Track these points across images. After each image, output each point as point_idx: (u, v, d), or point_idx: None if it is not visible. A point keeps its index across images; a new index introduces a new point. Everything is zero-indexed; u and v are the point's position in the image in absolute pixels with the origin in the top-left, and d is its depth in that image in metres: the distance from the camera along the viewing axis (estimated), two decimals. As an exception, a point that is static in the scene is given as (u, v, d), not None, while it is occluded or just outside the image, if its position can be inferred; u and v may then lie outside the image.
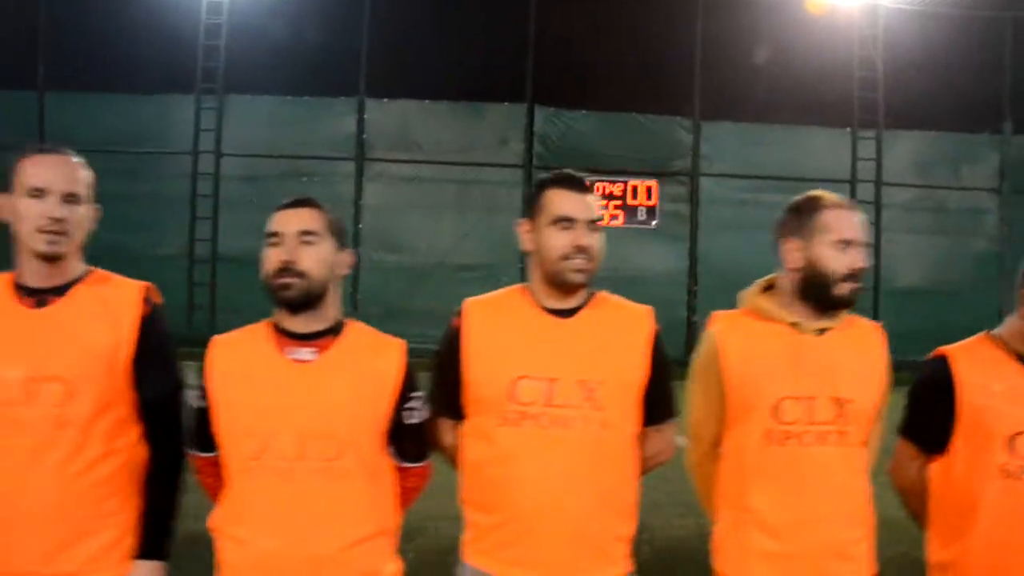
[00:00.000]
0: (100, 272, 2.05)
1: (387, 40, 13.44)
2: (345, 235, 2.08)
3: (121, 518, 1.96)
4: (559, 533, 2.00)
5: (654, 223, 13.96)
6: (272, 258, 1.93)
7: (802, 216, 2.16)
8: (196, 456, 2.08)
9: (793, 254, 2.13)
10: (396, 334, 2.11)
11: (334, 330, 2.02)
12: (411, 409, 2.05)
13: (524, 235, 2.10)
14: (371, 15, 13.53)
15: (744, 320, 2.19)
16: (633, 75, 13.78)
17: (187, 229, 13.58)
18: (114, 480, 1.95)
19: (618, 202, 13.87)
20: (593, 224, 2.10)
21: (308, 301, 1.94)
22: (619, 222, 13.86)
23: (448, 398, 2.14)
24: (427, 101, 13.82)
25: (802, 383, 2.07)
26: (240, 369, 1.98)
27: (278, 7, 13.51)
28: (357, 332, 2.07)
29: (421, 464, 2.14)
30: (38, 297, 1.95)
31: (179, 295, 12.58)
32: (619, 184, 13.87)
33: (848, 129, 14.72)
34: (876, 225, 14.42)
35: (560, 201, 2.08)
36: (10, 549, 1.86)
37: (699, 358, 2.22)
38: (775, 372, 2.08)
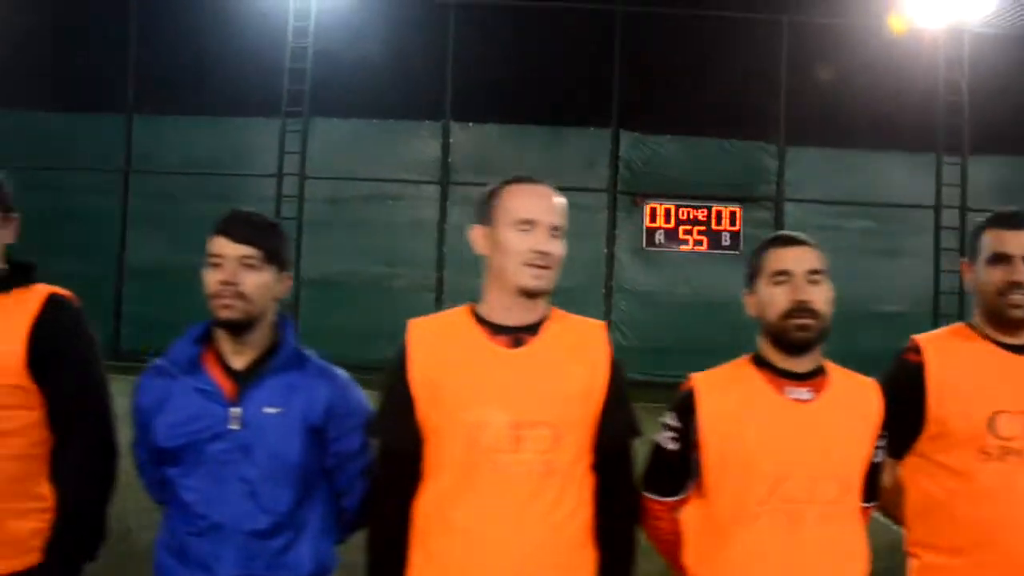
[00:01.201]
0: (556, 310, 2.01)
1: (472, 64, 13.48)
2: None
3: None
4: None
5: (738, 249, 13.88)
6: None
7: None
8: (657, 501, 2.04)
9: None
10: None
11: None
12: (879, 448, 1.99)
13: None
14: (456, 38, 13.61)
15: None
16: (717, 100, 13.74)
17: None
18: (584, 530, 1.89)
19: (702, 227, 13.81)
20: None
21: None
22: (703, 247, 13.81)
23: None
24: (512, 125, 13.84)
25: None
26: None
27: (364, 31, 13.60)
28: (841, 375, 2.01)
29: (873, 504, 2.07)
30: (514, 336, 1.90)
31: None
32: (703, 210, 13.81)
33: (933, 154, 14.59)
34: (961, 251, 14.28)
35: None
36: None
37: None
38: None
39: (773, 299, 1.93)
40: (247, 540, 1.83)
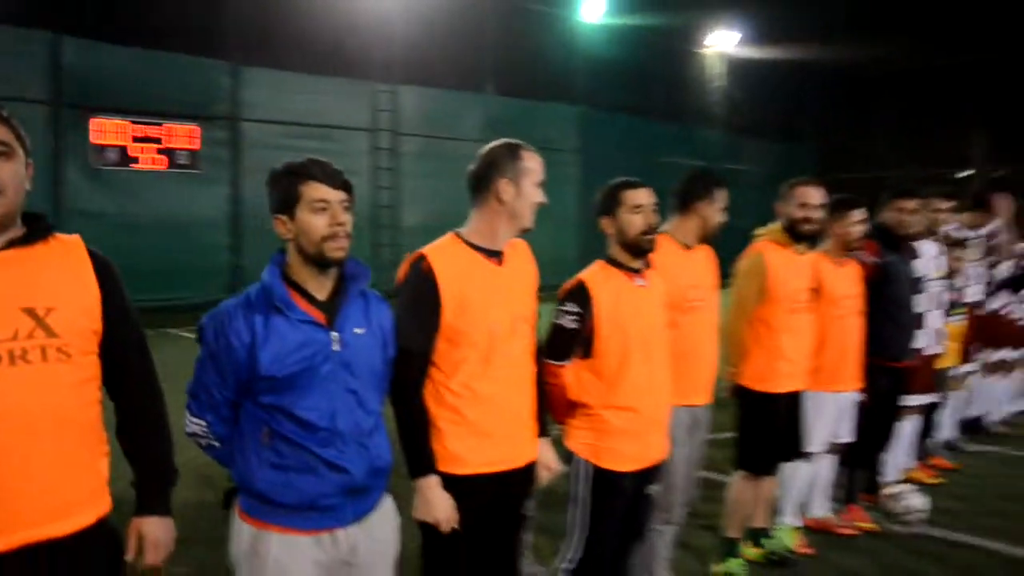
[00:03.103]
0: None
1: None
2: None
3: None
4: None
5: (198, 168, 13.88)
6: None
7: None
8: (556, 366, 2.91)
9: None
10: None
11: None
12: None
13: None
14: None
15: (772, 246, 3.94)
16: (173, 13, 13.26)
17: None
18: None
19: (158, 145, 13.43)
20: None
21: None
22: (161, 166, 13.48)
23: None
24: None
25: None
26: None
27: None
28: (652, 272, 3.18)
29: None
30: (498, 257, 2.59)
31: None
32: (158, 127, 13.40)
33: (370, 82, 16.24)
34: (395, 170, 16.43)
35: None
36: (521, 444, 2.61)
37: (749, 267, 3.90)
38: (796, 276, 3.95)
39: (632, 223, 2.96)
40: (362, 439, 2.14)
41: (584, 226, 17.19)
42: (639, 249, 2.99)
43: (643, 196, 3.00)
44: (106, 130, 12.95)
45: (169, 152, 13.57)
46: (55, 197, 12.27)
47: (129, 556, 2.00)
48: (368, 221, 15.99)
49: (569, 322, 2.90)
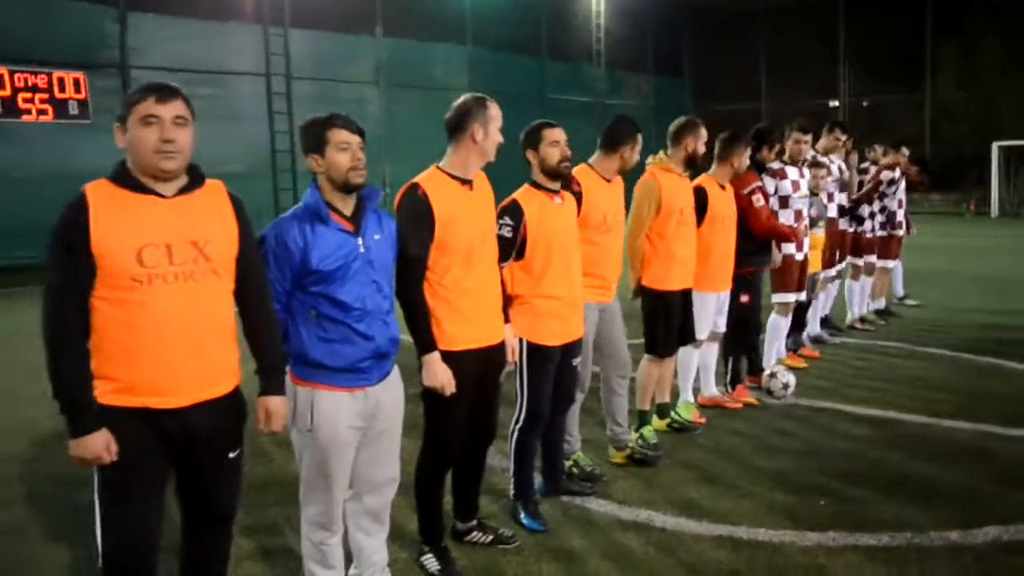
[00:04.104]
0: None
1: None
2: None
3: None
4: None
5: (88, 118, 13.63)
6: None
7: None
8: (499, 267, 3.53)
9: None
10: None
11: None
12: None
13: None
14: None
15: (661, 171, 4.64)
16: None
17: None
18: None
19: (44, 95, 13.13)
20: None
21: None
22: (48, 117, 13.20)
23: None
24: None
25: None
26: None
27: None
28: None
29: None
30: (470, 184, 3.27)
31: None
32: (43, 76, 13.09)
33: (261, 26, 16.16)
34: (289, 114, 16.47)
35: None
36: (496, 326, 3.36)
37: (646, 190, 4.61)
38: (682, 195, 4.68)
39: (552, 155, 3.66)
40: (383, 317, 2.83)
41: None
42: (558, 175, 3.71)
43: (559, 133, 3.72)
44: (-11, 80, 12.58)
45: (56, 103, 13.28)
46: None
47: (261, 426, 2.63)
48: (266, 167, 16.11)
49: (507, 231, 3.61)
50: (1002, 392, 5.84)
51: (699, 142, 4.72)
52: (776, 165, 5.95)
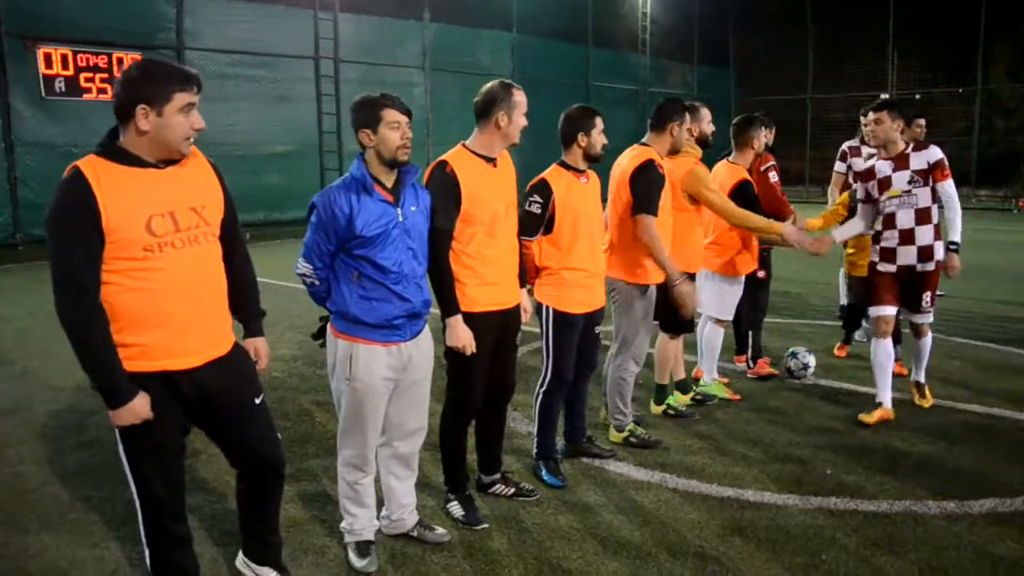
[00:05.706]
0: None
1: None
2: None
3: None
4: None
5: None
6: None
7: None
8: (528, 241, 3.88)
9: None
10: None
11: None
12: None
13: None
14: None
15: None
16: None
17: None
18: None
19: (104, 75, 13.65)
20: None
21: None
22: (107, 96, 13.69)
23: None
24: None
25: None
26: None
27: None
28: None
29: None
30: (494, 162, 3.54)
31: None
32: (103, 56, 13.61)
33: (311, 11, 16.53)
34: (336, 96, 16.85)
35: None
36: (513, 291, 3.64)
37: (708, 176, 4.83)
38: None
39: (600, 141, 3.94)
40: (417, 280, 3.11)
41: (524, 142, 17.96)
42: (596, 158, 3.99)
43: (601, 122, 3.99)
44: (53, 61, 13.14)
45: (115, 82, 13.75)
46: (4, 127, 12.55)
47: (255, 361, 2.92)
48: (313, 147, 16.54)
49: (536, 208, 3.88)
50: (1020, 380, 5.95)
51: (706, 123, 5.00)
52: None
